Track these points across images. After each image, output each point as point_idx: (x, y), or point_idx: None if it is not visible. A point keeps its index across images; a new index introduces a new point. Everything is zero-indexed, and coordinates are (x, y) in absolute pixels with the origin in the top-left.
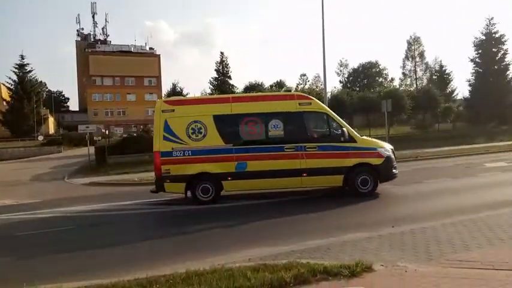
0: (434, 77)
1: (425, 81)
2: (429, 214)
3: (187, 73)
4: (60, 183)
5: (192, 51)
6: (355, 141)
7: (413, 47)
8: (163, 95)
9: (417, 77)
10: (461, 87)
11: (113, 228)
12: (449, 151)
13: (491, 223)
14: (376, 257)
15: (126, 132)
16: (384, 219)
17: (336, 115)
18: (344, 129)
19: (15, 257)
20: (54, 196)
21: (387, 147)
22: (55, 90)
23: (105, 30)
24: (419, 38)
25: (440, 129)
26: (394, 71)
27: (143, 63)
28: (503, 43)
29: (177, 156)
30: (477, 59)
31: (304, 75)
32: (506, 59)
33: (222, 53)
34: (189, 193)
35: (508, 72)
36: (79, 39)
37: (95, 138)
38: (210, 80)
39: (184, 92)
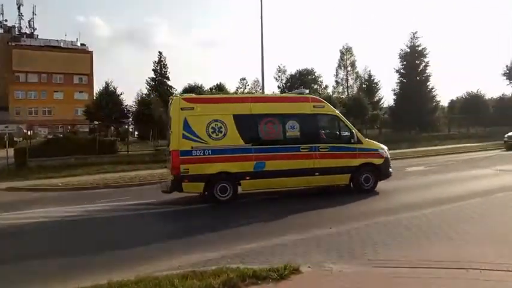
0: (363, 85)
1: (355, 89)
2: (360, 215)
3: (123, 72)
4: None
5: (129, 49)
6: (361, 143)
7: (345, 57)
8: (94, 94)
9: (349, 85)
10: (387, 95)
11: (21, 240)
12: None
13: (412, 223)
14: (305, 259)
15: (52, 133)
16: (322, 220)
17: (344, 118)
18: (353, 131)
19: None
20: None
21: (385, 149)
22: None
23: (32, 23)
24: (351, 48)
25: (367, 135)
26: (328, 78)
27: (73, 59)
28: (425, 56)
29: (196, 155)
30: (402, 70)
31: (244, 79)
32: (427, 71)
33: (160, 52)
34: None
35: (428, 83)
36: (1, 31)
37: (15, 139)
38: (146, 80)
39: (119, 92)
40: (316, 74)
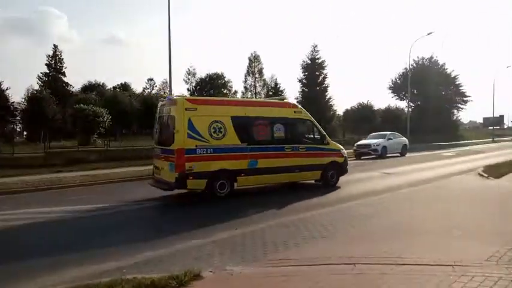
0: (270, 92)
1: (263, 96)
2: (262, 216)
3: (12, 66)
4: None
5: (19, 41)
6: (329, 144)
7: (253, 64)
8: None
9: (256, 91)
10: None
11: None
12: None
13: (312, 222)
14: (209, 263)
15: None
16: (229, 223)
17: (317, 123)
18: (324, 134)
19: None
20: None
21: (344, 150)
22: None
23: None
24: (259, 56)
25: None
26: (237, 84)
27: None
28: (323, 68)
29: (200, 153)
30: (304, 80)
31: (152, 79)
32: (326, 82)
33: (55, 46)
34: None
35: (326, 93)
36: None
37: None
38: (39, 76)
39: (4, 87)
40: (226, 79)
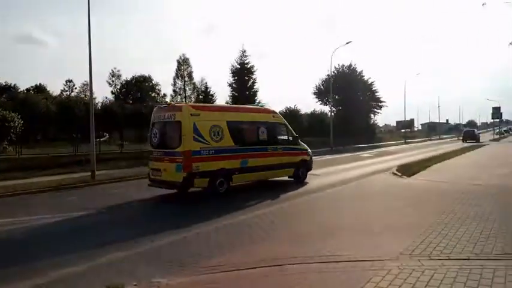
0: (200, 96)
1: (193, 99)
2: (186, 223)
3: None
4: None
5: None
6: (299, 145)
7: (182, 67)
8: None
9: (186, 95)
10: None
11: None
12: None
13: (254, 223)
14: (132, 276)
15: None
16: (142, 233)
17: (289, 126)
18: (296, 136)
19: None
20: None
21: (309, 149)
22: None
23: None
24: (188, 59)
25: None
26: (166, 87)
27: None
28: (252, 73)
29: (204, 155)
30: (234, 85)
31: (71, 81)
32: (255, 87)
33: None
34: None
35: (256, 97)
36: None
37: None
38: None
39: None
40: (153, 82)
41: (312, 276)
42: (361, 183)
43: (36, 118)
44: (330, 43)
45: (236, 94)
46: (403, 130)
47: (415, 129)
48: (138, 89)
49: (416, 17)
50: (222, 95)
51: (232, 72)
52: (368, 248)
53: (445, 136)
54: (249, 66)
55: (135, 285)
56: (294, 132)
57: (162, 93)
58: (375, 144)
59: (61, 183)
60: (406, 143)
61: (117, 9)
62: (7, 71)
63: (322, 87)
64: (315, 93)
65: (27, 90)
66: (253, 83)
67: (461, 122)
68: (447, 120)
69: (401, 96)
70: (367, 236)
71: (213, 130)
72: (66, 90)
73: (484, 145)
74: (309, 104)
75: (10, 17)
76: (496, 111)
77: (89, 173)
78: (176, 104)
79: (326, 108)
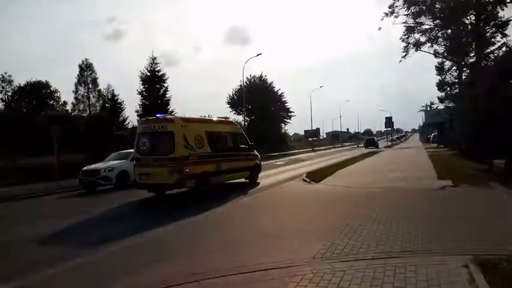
0: (107, 104)
1: (98, 108)
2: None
3: None
4: None
5: None
6: (253, 151)
7: (85, 73)
8: None
9: (90, 103)
10: (132, 116)
11: None
12: None
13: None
14: None
15: None
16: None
17: (245, 135)
18: (251, 144)
19: None
20: None
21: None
22: None
23: None
24: (91, 64)
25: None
26: (67, 94)
27: None
28: (164, 81)
29: (191, 160)
30: (144, 93)
31: None
32: (167, 95)
33: None
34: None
35: (168, 107)
36: None
37: None
38: None
39: None
40: (52, 88)
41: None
42: (273, 190)
43: None
44: (244, 54)
45: (147, 103)
46: (310, 139)
47: (321, 137)
48: (33, 96)
49: (320, 41)
50: (131, 103)
51: (142, 80)
52: (283, 255)
53: (346, 144)
54: (160, 74)
55: None
56: (249, 141)
57: (62, 100)
58: (286, 152)
59: None
60: (313, 150)
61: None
62: None
63: (235, 97)
64: (228, 103)
65: None
66: (166, 91)
67: (359, 130)
68: (347, 129)
69: (308, 106)
70: (282, 243)
71: (197, 139)
72: None
73: (380, 151)
74: (223, 114)
75: None
76: (389, 121)
77: None
78: (167, 117)
79: (240, 118)
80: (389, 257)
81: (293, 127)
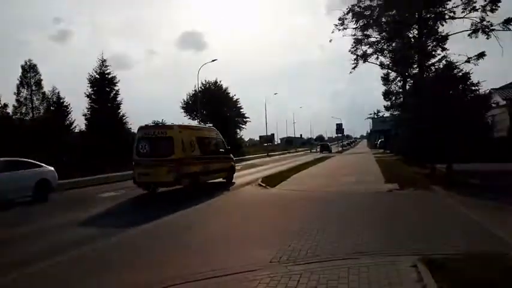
0: (52, 107)
1: (42, 111)
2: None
3: None
4: None
5: None
6: (230, 154)
7: (29, 75)
8: None
9: (34, 105)
10: (78, 120)
11: None
12: (59, 185)
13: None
14: None
15: None
16: None
17: (224, 141)
18: (228, 148)
19: None
20: None
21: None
22: None
23: None
24: (35, 65)
25: (58, 161)
26: (7, 96)
27: None
28: (115, 84)
29: (186, 161)
30: (93, 96)
31: None
32: (118, 98)
33: None
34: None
35: (119, 110)
36: None
37: None
38: None
39: None
40: None
41: None
42: (229, 195)
43: None
44: (199, 59)
45: (96, 106)
46: (265, 144)
47: (276, 143)
48: None
49: (274, 50)
50: (79, 107)
51: (90, 83)
52: (239, 260)
53: (300, 149)
54: (110, 76)
55: None
56: (226, 146)
57: (1, 103)
58: (242, 157)
59: None
60: (268, 155)
61: None
62: None
63: (190, 102)
64: (183, 108)
65: None
66: (116, 94)
67: (312, 136)
68: (301, 135)
69: (263, 112)
70: (238, 248)
71: (190, 143)
72: None
73: (332, 156)
74: (178, 118)
75: None
76: (339, 128)
77: None
78: (166, 124)
79: (194, 123)
80: (343, 258)
81: (248, 132)
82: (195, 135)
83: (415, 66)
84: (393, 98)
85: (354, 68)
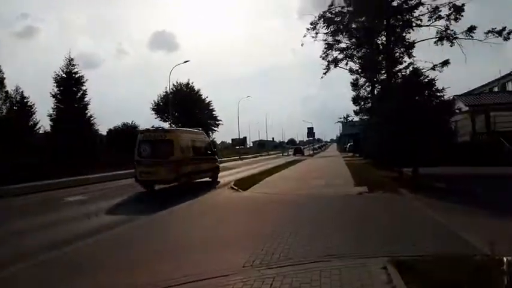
0: (15, 107)
1: (5, 111)
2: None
3: None
4: None
5: None
6: (215, 156)
7: None
8: None
9: None
10: (44, 120)
11: None
12: (24, 188)
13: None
14: None
15: None
16: None
17: (212, 144)
18: (215, 150)
19: None
20: None
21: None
22: None
23: None
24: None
25: (21, 164)
26: None
27: None
28: (82, 84)
29: (184, 162)
30: (59, 95)
31: None
32: (85, 99)
33: None
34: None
35: (87, 111)
36: None
37: None
38: None
39: None
40: None
41: None
42: (203, 199)
43: None
44: (170, 60)
45: (62, 106)
46: (237, 147)
47: (248, 146)
48: None
49: (246, 53)
50: (44, 107)
51: (56, 82)
52: (212, 265)
53: (272, 152)
54: (77, 76)
55: None
56: (213, 148)
57: None
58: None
59: None
60: (241, 159)
61: None
62: None
63: (161, 103)
64: (153, 109)
65: None
66: (84, 94)
67: (284, 140)
68: (273, 138)
69: (236, 115)
70: (210, 253)
71: (186, 146)
72: None
73: (303, 159)
74: (149, 120)
75: None
76: (310, 131)
77: None
78: (166, 128)
79: (166, 125)
80: (315, 261)
81: (221, 135)
82: (190, 139)
83: (383, 72)
84: (362, 103)
85: (325, 73)
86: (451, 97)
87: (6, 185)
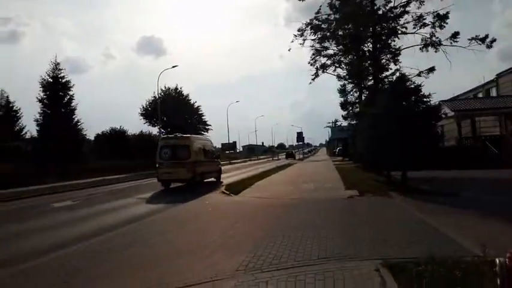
0: (0, 112)
1: None
2: None
3: None
4: None
5: None
6: (219, 159)
7: None
8: None
9: None
10: (30, 126)
11: None
12: (11, 193)
13: (59, 264)
14: None
15: None
16: None
17: (216, 148)
18: (218, 153)
19: None
20: None
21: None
22: None
23: None
24: None
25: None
26: None
27: None
28: (69, 88)
29: (198, 163)
30: (45, 100)
31: None
32: (72, 104)
33: None
34: None
35: (74, 116)
36: None
37: None
38: None
39: None
40: None
41: None
42: (194, 203)
43: None
44: (158, 65)
45: (49, 111)
46: (227, 151)
47: (238, 150)
48: None
49: (236, 58)
50: (30, 112)
51: (43, 87)
52: (206, 269)
53: (262, 157)
54: (64, 80)
55: None
56: (217, 152)
57: None
58: None
59: None
60: (230, 163)
61: None
62: None
63: (149, 108)
64: (142, 114)
65: None
66: (71, 99)
67: (273, 144)
68: (262, 143)
69: (225, 120)
70: (205, 257)
71: (199, 150)
72: None
73: (293, 164)
74: (137, 125)
75: None
76: (300, 136)
77: None
78: (183, 135)
79: (154, 130)
80: (309, 264)
81: (212, 140)
82: (202, 144)
83: (370, 78)
84: (350, 108)
85: (313, 78)
86: (437, 103)
87: None
